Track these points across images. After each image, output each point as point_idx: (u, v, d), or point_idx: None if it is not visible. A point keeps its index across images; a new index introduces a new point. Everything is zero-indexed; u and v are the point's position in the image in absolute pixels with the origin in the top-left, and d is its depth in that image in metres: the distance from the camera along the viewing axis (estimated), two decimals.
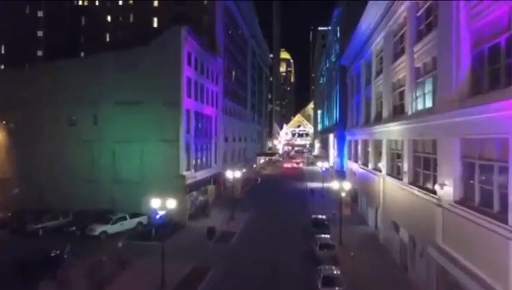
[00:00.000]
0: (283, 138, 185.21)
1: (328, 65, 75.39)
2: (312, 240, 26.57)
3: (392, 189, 24.71)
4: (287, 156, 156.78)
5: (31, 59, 50.69)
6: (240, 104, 63.14)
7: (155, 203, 19.81)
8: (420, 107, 19.60)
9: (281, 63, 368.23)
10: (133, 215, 30.48)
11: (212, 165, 43.77)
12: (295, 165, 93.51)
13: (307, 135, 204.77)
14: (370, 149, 33.11)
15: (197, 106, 37.63)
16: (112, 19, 51.50)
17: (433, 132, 16.89)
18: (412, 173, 20.45)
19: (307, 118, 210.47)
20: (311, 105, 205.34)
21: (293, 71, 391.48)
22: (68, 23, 53.31)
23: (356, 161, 41.08)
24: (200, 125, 38.80)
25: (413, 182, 20.10)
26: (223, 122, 49.18)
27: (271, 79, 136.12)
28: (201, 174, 38.12)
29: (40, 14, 53.11)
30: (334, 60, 62.72)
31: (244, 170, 67.78)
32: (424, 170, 18.83)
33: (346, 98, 51.62)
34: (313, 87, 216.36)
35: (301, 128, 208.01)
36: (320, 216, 31.99)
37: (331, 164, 58.71)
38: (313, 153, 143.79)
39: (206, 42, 42.28)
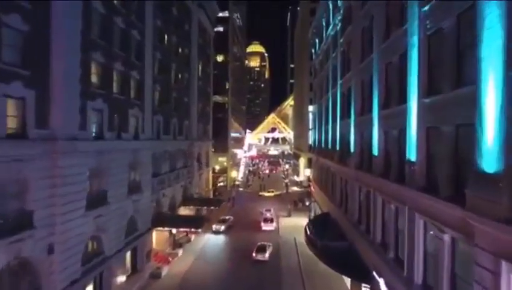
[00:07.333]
0: (247, 150, 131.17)
1: None
2: None
3: None
4: (254, 175, 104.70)
5: None
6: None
7: None
8: None
9: (254, 57, 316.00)
10: None
11: None
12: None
13: (284, 140, 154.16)
14: None
15: None
16: None
17: None
18: None
19: (284, 118, 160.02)
20: (289, 101, 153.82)
21: (267, 66, 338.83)
22: None
23: None
24: None
25: None
26: None
27: (227, 59, 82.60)
28: None
29: None
30: None
31: None
32: None
33: None
34: (291, 80, 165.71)
35: (276, 132, 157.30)
36: None
37: None
38: (297, 178, 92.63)
39: None
